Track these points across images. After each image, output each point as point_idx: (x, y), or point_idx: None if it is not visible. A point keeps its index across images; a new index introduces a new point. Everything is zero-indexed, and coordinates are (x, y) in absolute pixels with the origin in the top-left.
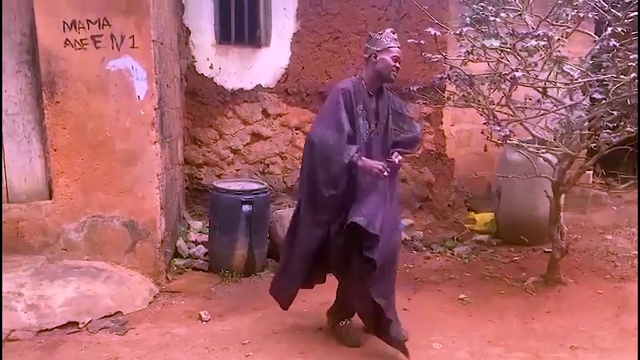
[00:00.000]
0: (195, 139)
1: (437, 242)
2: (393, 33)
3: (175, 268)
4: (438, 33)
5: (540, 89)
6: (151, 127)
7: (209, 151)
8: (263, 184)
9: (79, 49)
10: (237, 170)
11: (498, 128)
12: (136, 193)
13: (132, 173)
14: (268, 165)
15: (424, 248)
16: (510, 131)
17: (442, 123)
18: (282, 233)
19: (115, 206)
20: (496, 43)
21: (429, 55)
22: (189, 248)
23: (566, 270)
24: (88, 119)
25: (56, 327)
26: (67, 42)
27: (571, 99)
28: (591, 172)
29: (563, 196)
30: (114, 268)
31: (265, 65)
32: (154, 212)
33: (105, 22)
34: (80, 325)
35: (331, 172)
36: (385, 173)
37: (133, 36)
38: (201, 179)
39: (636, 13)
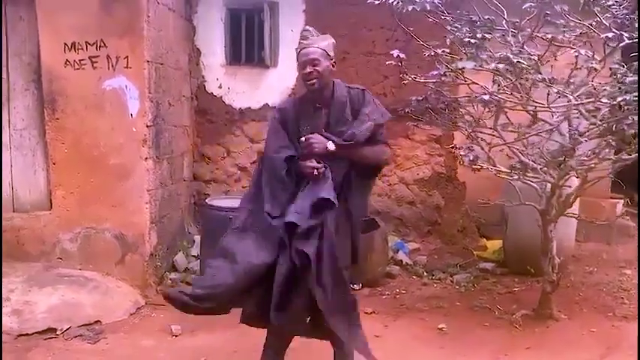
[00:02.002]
0: (203, 156)
1: (440, 268)
2: (307, 32)
3: (170, 281)
4: (402, 55)
5: (531, 113)
6: (143, 143)
7: (217, 168)
8: None
9: (77, 69)
10: (243, 187)
11: (463, 153)
12: (126, 207)
13: (123, 187)
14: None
15: (425, 274)
16: (488, 155)
17: (454, 145)
18: None
19: (107, 219)
20: (470, 65)
21: (408, 76)
22: (188, 262)
23: (565, 304)
24: (85, 135)
25: (36, 332)
26: (67, 62)
27: (570, 124)
28: (622, 201)
29: (553, 225)
30: (103, 278)
31: (272, 85)
32: (143, 226)
33: (102, 44)
34: (58, 332)
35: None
36: (320, 170)
37: (127, 57)
38: (209, 195)
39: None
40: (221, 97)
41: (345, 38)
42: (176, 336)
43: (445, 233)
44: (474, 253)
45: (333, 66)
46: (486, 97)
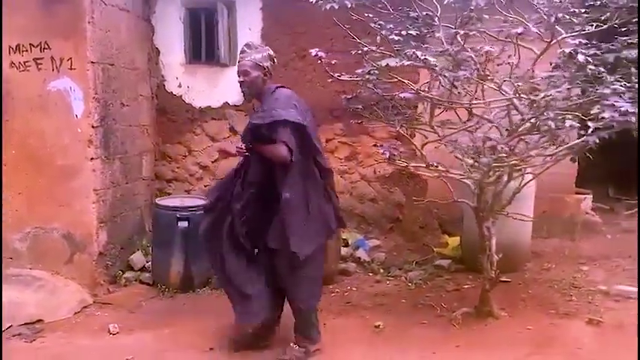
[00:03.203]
0: (164, 155)
1: (397, 265)
2: (246, 46)
3: (124, 280)
4: (322, 54)
5: (467, 109)
6: (89, 144)
7: (178, 167)
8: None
9: (22, 70)
10: (205, 186)
11: (381, 150)
12: (74, 207)
13: (70, 188)
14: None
15: (382, 271)
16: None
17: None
18: None
19: (55, 219)
20: (392, 63)
21: (337, 74)
22: (147, 262)
23: (511, 302)
24: (31, 136)
25: None
26: (12, 64)
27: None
28: (590, 196)
29: (491, 222)
30: (51, 277)
31: (232, 84)
32: (90, 226)
33: (46, 45)
34: None
35: None
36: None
37: (71, 58)
38: (171, 194)
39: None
40: (181, 96)
41: (304, 36)
42: (113, 334)
43: (406, 230)
44: (434, 249)
45: (265, 75)
46: (408, 95)
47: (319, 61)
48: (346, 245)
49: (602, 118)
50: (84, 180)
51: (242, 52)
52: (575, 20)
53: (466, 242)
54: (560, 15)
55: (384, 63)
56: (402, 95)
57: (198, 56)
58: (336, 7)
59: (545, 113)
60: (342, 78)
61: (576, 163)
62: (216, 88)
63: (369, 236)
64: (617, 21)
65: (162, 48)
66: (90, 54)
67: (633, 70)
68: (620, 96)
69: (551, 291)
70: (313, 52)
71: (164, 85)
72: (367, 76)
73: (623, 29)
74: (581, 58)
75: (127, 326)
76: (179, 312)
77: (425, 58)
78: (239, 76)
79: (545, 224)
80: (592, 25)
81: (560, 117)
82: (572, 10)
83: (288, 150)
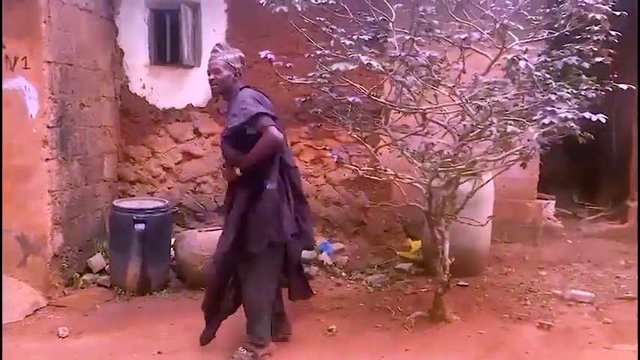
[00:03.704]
0: (128, 157)
1: (359, 269)
2: (217, 46)
3: (81, 282)
4: (271, 56)
5: (421, 114)
6: (44, 144)
7: (141, 169)
8: (164, 202)
9: None
10: (169, 188)
11: (330, 154)
12: (28, 208)
13: (25, 189)
14: (199, 184)
15: (343, 274)
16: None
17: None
18: (182, 254)
19: (9, 220)
20: (342, 67)
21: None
22: (106, 264)
23: (466, 306)
24: None
25: None
26: None
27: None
28: (553, 202)
29: (443, 226)
30: (4, 279)
31: (196, 85)
32: (45, 227)
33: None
34: None
35: None
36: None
37: (26, 58)
38: (134, 196)
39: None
40: (145, 97)
41: (268, 39)
42: (62, 338)
43: (371, 234)
44: (397, 253)
45: (236, 75)
46: (355, 99)
47: (270, 63)
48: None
49: (543, 124)
50: (39, 181)
51: (214, 51)
52: (520, 27)
53: (426, 246)
54: (506, 22)
55: (334, 67)
56: (350, 99)
57: (163, 57)
58: (285, 9)
59: (488, 119)
60: (293, 81)
61: (538, 168)
62: (181, 90)
63: (333, 240)
64: (568, 29)
65: (126, 49)
66: (46, 53)
67: (584, 77)
68: (567, 102)
69: (508, 295)
70: (263, 54)
71: (128, 86)
72: (319, 80)
73: (577, 37)
74: (522, 64)
75: (77, 329)
76: (133, 315)
77: (368, 63)
78: (209, 74)
79: (506, 229)
80: (545, 33)
81: (502, 122)
82: (528, 17)
83: (277, 130)
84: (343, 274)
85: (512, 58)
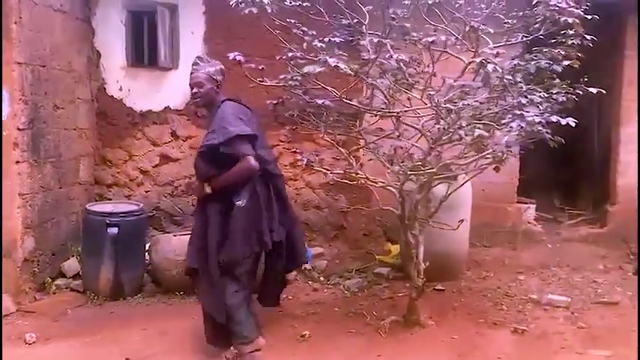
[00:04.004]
0: (104, 160)
1: (337, 273)
2: (198, 59)
3: (54, 287)
4: (240, 58)
5: (394, 117)
6: (14, 147)
7: (118, 172)
8: (138, 205)
9: None
10: (146, 192)
11: (299, 157)
12: None
13: None
14: (177, 187)
15: (322, 279)
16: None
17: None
18: (156, 258)
19: None
20: (311, 69)
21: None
22: (81, 268)
23: (442, 310)
24: None
25: None
26: None
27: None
28: (533, 206)
29: (417, 230)
30: None
31: (174, 88)
32: (15, 231)
33: None
34: None
35: None
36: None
37: None
38: (111, 199)
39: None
40: (122, 99)
41: (246, 41)
42: (29, 344)
43: (350, 238)
44: (377, 257)
45: (217, 87)
46: (325, 102)
47: (239, 64)
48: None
49: (511, 127)
50: (9, 184)
51: (195, 64)
52: (491, 30)
53: (405, 250)
54: (476, 24)
55: (305, 69)
56: (320, 102)
57: (140, 59)
58: (255, 11)
59: (457, 123)
60: (263, 83)
61: (517, 172)
62: (158, 92)
63: (312, 244)
64: (542, 32)
65: (103, 50)
66: (16, 54)
67: (557, 80)
68: (538, 106)
69: (484, 300)
70: (231, 55)
71: (105, 88)
72: (290, 82)
73: (553, 40)
74: (490, 67)
75: (45, 335)
76: (104, 320)
77: (336, 65)
78: (192, 88)
79: (485, 233)
80: (519, 36)
81: (470, 127)
82: (505, 21)
83: (255, 159)
84: (321, 278)
85: (481, 61)
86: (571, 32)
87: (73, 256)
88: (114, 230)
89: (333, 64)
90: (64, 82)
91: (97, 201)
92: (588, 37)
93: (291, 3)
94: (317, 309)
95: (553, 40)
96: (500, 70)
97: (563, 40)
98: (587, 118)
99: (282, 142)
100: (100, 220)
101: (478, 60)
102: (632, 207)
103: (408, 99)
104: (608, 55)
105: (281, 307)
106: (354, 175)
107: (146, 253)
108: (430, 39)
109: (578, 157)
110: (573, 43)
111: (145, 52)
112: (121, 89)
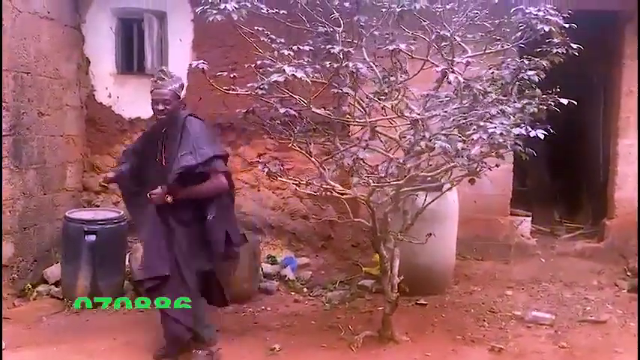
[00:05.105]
0: (93, 166)
1: (321, 284)
2: (161, 73)
3: (34, 294)
4: (205, 66)
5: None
6: None
7: None
8: (119, 213)
9: None
10: None
11: (260, 166)
12: None
13: None
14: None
15: (305, 290)
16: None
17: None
18: (135, 266)
19: None
20: (277, 78)
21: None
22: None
23: (420, 326)
24: None
25: None
26: None
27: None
28: (529, 218)
29: (392, 243)
30: None
31: None
32: None
33: None
34: None
35: None
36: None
37: None
38: (99, 206)
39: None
40: (110, 106)
41: (234, 49)
42: None
43: (338, 248)
44: (363, 268)
45: (181, 103)
46: (286, 111)
47: (203, 73)
48: (274, 263)
49: (472, 139)
50: None
51: (160, 78)
52: (458, 39)
53: (380, 263)
54: (448, 34)
55: (273, 78)
56: (282, 111)
57: (130, 66)
58: (219, 18)
59: (420, 134)
60: (231, 92)
61: (510, 184)
62: (147, 99)
63: (299, 254)
64: (523, 41)
65: (92, 57)
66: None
67: (539, 91)
68: (510, 117)
69: (467, 315)
70: (194, 63)
71: (94, 95)
72: (257, 91)
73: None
74: (451, 77)
75: (16, 342)
76: (78, 329)
77: (292, 74)
78: (158, 105)
79: (477, 246)
80: (498, 45)
81: (432, 139)
82: (489, 30)
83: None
84: (304, 289)
85: (444, 70)
86: (556, 41)
87: (57, 262)
88: (91, 237)
89: (289, 73)
90: (51, 89)
91: (84, 207)
92: (574, 45)
93: (268, 11)
94: (293, 321)
95: (538, 50)
96: (462, 80)
97: (548, 49)
98: (593, 130)
99: (269, 150)
100: (79, 227)
101: (439, 69)
102: (630, 221)
103: (383, 108)
104: (610, 64)
105: (256, 318)
106: (320, 186)
107: (127, 261)
108: (391, 47)
109: (581, 169)
110: (558, 52)
111: (135, 59)
112: (110, 96)
